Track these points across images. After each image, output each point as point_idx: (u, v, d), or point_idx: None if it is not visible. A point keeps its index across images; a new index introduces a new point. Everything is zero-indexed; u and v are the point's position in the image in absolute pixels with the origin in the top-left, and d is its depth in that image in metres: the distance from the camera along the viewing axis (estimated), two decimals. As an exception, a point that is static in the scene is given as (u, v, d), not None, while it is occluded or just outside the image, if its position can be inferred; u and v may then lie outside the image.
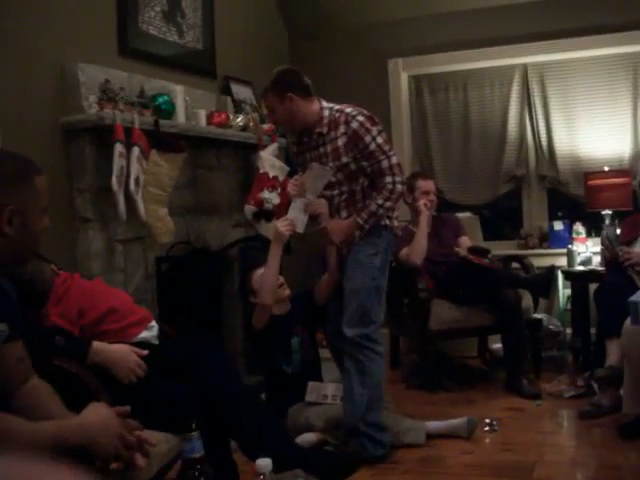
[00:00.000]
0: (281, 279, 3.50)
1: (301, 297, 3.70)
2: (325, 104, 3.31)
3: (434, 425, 3.42)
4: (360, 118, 3.18)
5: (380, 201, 3.17)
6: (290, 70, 3.37)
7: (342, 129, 3.19)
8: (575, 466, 3.13)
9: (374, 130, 3.17)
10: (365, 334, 3.19)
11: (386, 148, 3.18)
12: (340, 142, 3.20)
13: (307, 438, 3.25)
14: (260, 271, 3.46)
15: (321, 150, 3.27)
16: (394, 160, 3.18)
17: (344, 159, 3.19)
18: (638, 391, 3.24)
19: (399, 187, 3.18)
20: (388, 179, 3.16)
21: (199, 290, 4.15)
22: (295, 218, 3.22)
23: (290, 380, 3.49)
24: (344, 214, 3.27)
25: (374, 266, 3.21)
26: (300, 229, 3.23)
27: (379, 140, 3.16)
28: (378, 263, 3.22)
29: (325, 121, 3.25)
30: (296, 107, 3.24)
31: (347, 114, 3.21)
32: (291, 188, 3.29)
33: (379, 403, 3.26)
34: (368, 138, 3.15)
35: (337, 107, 3.28)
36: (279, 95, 3.24)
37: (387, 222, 3.26)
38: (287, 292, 3.56)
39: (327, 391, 3.46)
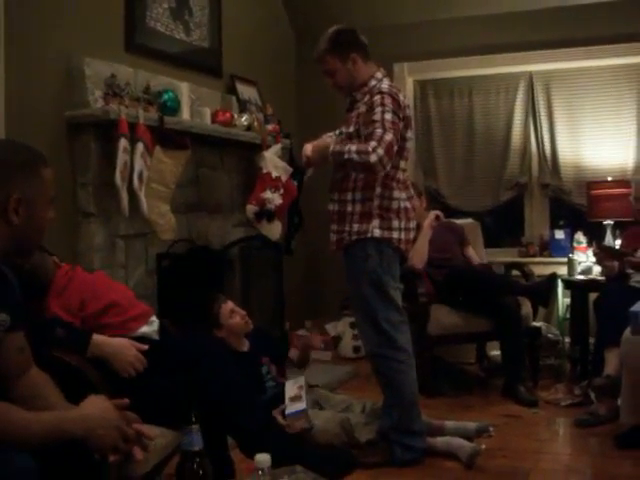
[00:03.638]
0: (244, 314, 3.36)
1: (256, 333, 3.49)
2: (379, 75, 3.16)
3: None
4: (385, 94, 3.02)
5: (354, 147, 2.96)
6: (347, 29, 3.21)
7: (366, 98, 3.08)
8: (570, 474, 3.12)
9: (389, 106, 2.98)
10: (380, 343, 3.10)
11: (388, 124, 2.95)
12: (359, 111, 3.10)
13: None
14: (228, 306, 3.33)
15: (349, 115, 3.18)
16: (388, 136, 2.93)
17: (351, 128, 3.11)
18: (635, 401, 3.24)
19: (373, 157, 2.89)
20: (373, 144, 2.91)
21: (199, 287, 4.13)
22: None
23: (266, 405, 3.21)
24: (339, 177, 3.17)
25: (367, 270, 3.08)
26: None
27: (387, 116, 2.96)
28: (371, 266, 3.07)
29: (366, 89, 3.12)
30: (357, 69, 3.13)
31: (380, 88, 3.06)
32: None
33: (412, 411, 3.16)
34: (378, 109, 2.98)
35: (385, 81, 3.13)
36: (341, 55, 3.12)
37: (376, 234, 3.07)
38: (251, 326, 3.40)
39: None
